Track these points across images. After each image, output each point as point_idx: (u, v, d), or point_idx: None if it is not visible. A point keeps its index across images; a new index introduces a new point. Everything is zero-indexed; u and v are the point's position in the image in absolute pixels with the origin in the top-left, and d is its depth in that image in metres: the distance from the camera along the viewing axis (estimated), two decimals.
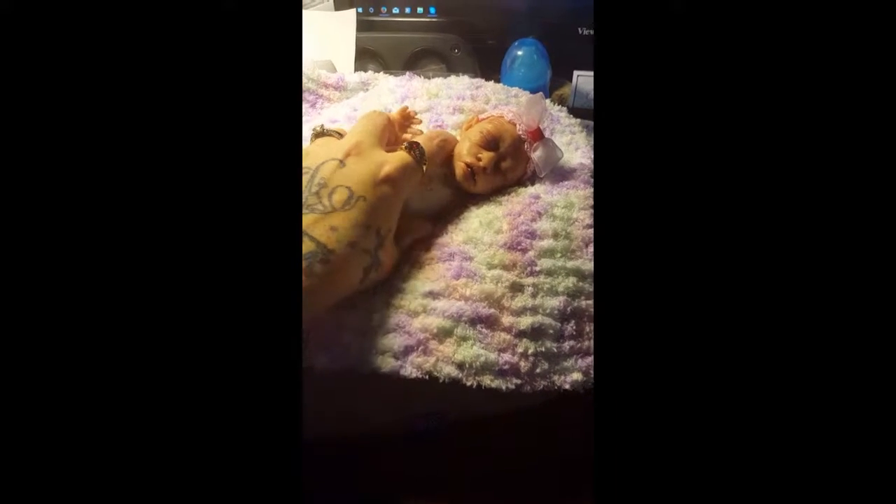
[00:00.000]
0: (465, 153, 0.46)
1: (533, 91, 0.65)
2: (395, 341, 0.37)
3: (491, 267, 0.40)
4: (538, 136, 0.48)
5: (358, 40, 0.76)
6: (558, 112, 0.57)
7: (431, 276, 0.40)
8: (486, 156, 0.46)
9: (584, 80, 0.75)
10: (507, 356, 0.37)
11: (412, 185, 0.40)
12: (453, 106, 0.54)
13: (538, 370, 0.38)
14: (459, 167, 0.46)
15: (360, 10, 0.81)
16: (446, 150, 0.46)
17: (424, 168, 0.41)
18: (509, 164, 0.47)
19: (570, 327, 0.39)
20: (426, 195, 0.46)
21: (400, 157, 0.40)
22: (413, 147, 0.41)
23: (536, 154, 0.47)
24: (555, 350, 0.38)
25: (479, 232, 0.42)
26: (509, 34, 0.79)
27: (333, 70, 0.66)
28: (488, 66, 0.78)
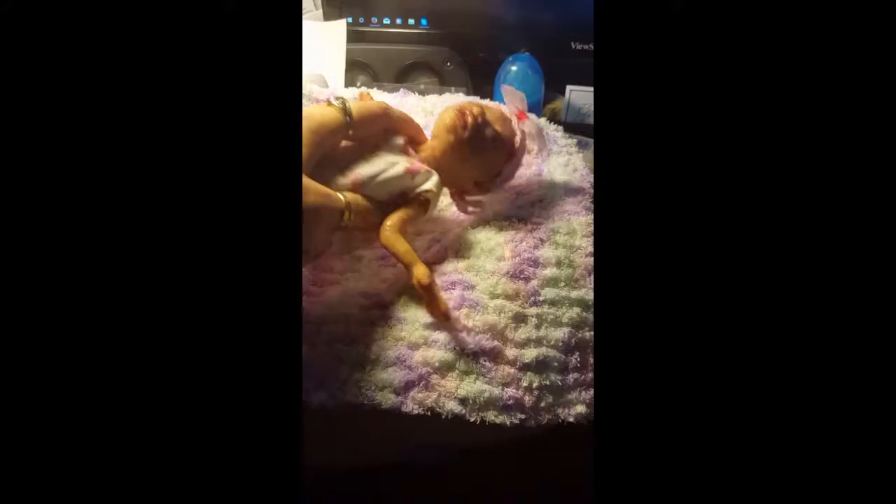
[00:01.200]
0: (454, 107, 0.44)
1: (527, 107, 0.65)
2: (395, 376, 0.36)
3: (494, 297, 0.39)
4: (525, 116, 0.47)
5: (348, 51, 0.75)
6: (554, 132, 0.56)
7: None
8: (477, 108, 0.44)
9: (577, 94, 0.75)
10: (511, 390, 0.37)
11: (332, 133, 0.37)
12: None
13: (542, 404, 0.37)
14: (449, 115, 0.43)
15: (350, 19, 0.79)
16: (389, 119, 0.42)
17: (350, 130, 0.38)
18: (497, 132, 0.44)
19: (574, 359, 0.38)
20: (378, 180, 0.39)
21: (317, 105, 0.38)
22: (337, 99, 0.38)
23: (526, 126, 0.46)
24: (559, 383, 0.37)
25: (481, 259, 0.41)
26: (501, 47, 0.78)
27: (325, 85, 0.64)
28: (480, 78, 0.77)
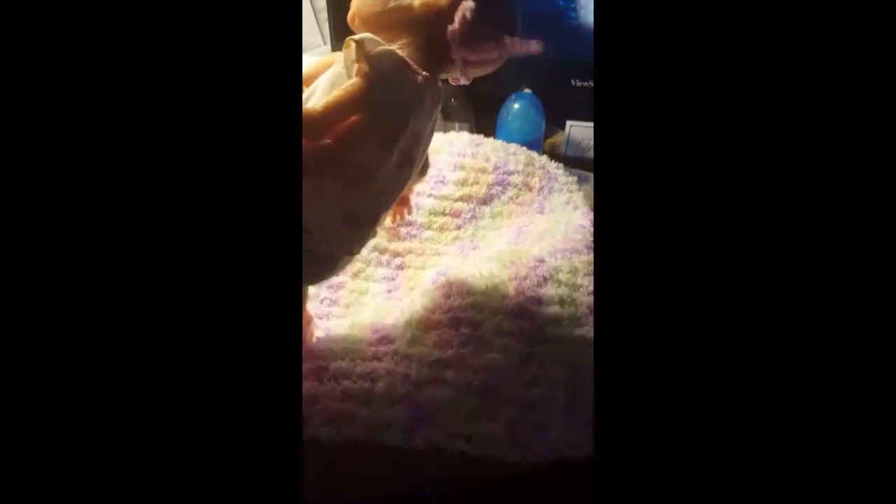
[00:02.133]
0: None
1: (528, 143, 0.67)
2: (401, 413, 0.37)
3: (499, 335, 0.40)
4: None
5: None
6: (555, 170, 0.58)
7: (439, 343, 0.40)
8: None
9: (576, 129, 0.77)
10: (516, 428, 0.37)
11: None
12: (454, 163, 0.55)
13: (546, 441, 0.38)
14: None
15: None
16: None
17: None
18: None
19: (577, 397, 0.39)
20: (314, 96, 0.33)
21: None
22: None
23: None
24: (563, 421, 0.38)
25: (486, 296, 0.42)
26: (504, 83, 0.81)
27: None
28: (482, 113, 0.80)
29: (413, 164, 0.35)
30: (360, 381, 0.39)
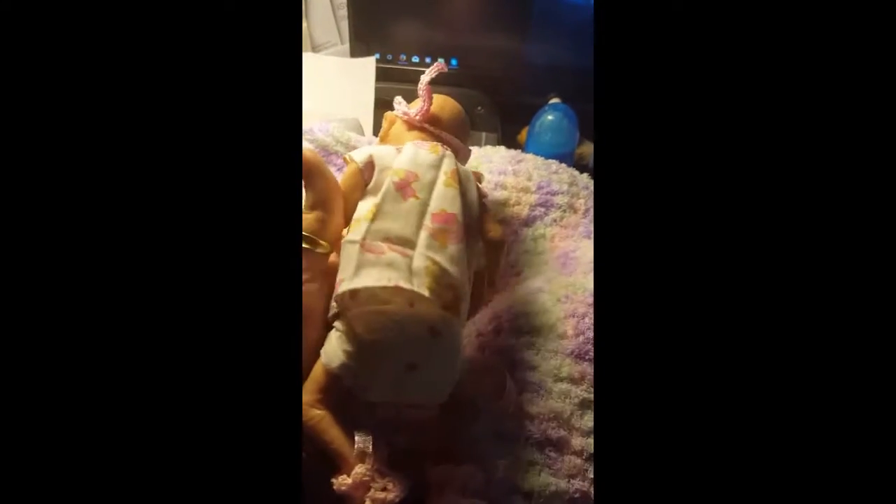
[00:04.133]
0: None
1: (559, 156, 0.64)
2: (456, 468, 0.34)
3: (557, 380, 0.37)
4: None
5: (375, 90, 0.73)
6: None
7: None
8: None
9: None
10: (577, 482, 0.34)
11: None
12: (495, 181, 0.52)
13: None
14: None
15: (377, 56, 0.78)
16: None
17: None
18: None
19: None
20: None
21: None
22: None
23: None
24: None
25: (541, 336, 0.39)
26: (529, 91, 0.77)
27: (361, 131, 0.63)
28: (509, 122, 0.77)
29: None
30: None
